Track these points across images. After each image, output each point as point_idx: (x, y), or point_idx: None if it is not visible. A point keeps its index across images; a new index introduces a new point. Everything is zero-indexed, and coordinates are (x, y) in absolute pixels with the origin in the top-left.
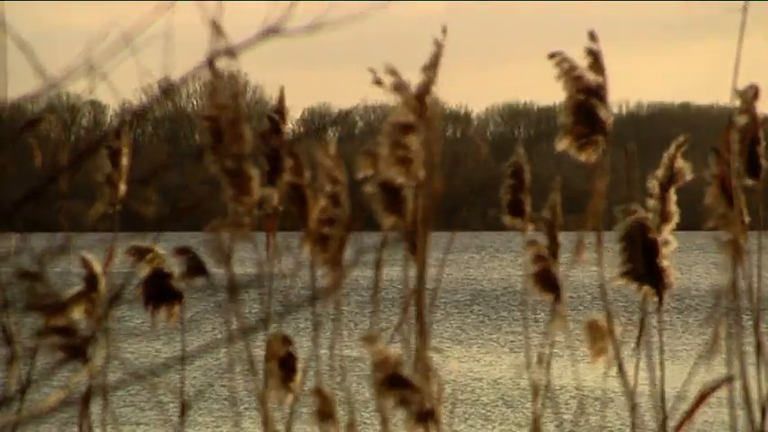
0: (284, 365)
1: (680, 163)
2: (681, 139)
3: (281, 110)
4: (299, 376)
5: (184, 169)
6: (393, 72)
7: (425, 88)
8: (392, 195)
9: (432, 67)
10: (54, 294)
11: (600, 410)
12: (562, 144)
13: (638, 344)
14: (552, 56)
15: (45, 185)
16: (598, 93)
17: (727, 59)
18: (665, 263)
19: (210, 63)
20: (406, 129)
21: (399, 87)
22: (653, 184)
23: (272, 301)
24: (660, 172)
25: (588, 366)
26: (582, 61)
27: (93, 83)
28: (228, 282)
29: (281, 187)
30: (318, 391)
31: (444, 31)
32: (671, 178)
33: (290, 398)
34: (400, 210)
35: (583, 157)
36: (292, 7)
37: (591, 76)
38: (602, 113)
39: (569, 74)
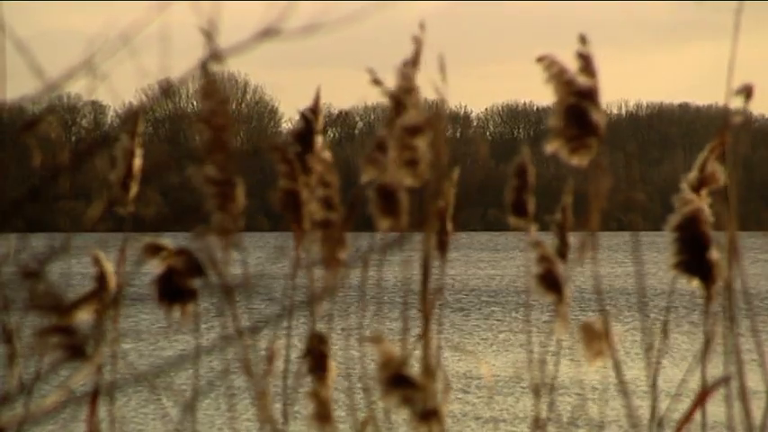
0: (319, 363)
1: (712, 166)
2: (714, 142)
3: (315, 109)
4: (333, 374)
5: (184, 169)
6: (406, 74)
7: (405, 87)
8: (389, 198)
9: (413, 65)
10: (58, 294)
11: (599, 406)
12: (552, 146)
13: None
14: (540, 59)
15: (45, 185)
16: (590, 95)
17: (726, 60)
18: (715, 257)
19: (204, 65)
20: (414, 131)
21: (409, 89)
22: (684, 187)
23: (273, 302)
24: (692, 174)
25: (587, 365)
26: (574, 64)
27: (94, 84)
28: (222, 284)
29: (276, 193)
30: (315, 394)
31: (422, 27)
32: (702, 181)
33: (327, 394)
34: (396, 212)
35: (574, 161)
36: (290, 8)
37: (582, 79)
38: (595, 116)
39: (559, 77)
